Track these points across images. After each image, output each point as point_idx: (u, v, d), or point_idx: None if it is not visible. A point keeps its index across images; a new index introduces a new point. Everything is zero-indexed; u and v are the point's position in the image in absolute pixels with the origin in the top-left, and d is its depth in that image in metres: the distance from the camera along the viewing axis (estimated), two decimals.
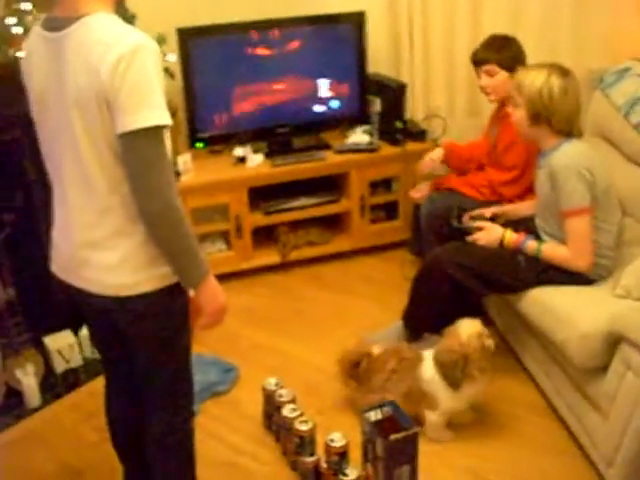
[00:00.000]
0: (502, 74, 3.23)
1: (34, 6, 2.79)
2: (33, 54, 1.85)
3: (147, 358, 2.05)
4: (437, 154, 3.60)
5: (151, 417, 2.14)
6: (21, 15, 2.77)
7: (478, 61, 3.33)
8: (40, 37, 1.81)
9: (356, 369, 2.83)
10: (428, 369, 2.69)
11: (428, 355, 2.72)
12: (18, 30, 2.75)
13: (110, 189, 1.79)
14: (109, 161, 1.76)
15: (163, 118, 1.71)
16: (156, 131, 1.71)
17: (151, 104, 1.69)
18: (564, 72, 2.74)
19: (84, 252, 1.88)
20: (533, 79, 2.73)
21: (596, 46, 3.99)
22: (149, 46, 1.71)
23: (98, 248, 1.86)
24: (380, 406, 2.37)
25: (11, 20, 2.74)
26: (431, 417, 2.70)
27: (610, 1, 4.00)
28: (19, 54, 2.63)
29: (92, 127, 1.72)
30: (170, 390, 2.11)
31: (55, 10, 1.80)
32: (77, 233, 1.89)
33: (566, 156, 2.72)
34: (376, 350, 2.87)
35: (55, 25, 1.76)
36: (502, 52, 3.25)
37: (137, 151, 1.71)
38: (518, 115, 2.81)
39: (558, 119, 2.72)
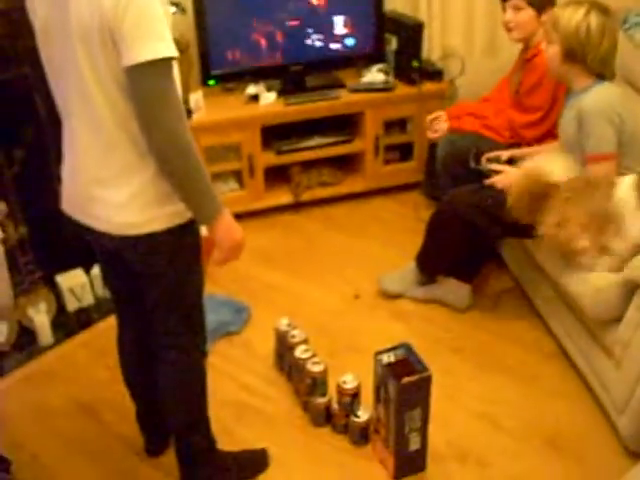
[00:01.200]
0: (529, 11, 3.12)
1: None
2: None
3: (158, 297, 2.05)
4: (442, 127, 3.48)
5: (163, 355, 2.14)
6: None
7: None
8: None
9: (540, 201, 2.67)
10: (624, 189, 2.57)
11: (627, 178, 2.60)
12: None
13: (117, 125, 1.76)
14: (115, 95, 1.72)
15: (169, 50, 1.66)
16: (163, 63, 1.65)
17: (156, 36, 1.64)
18: (604, 10, 2.64)
19: (92, 190, 1.86)
20: (571, 14, 2.64)
21: None
22: None
23: (106, 185, 1.84)
24: (393, 348, 2.36)
25: None
26: (615, 245, 2.55)
27: None
28: None
29: (96, 60, 1.68)
30: (182, 329, 2.10)
31: None
32: (85, 170, 1.87)
33: (598, 98, 2.64)
34: (557, 177, 2.69)
35: None
36: None
37: (144, 84, 1.66)
38: (551, 52, 2.72)
39: (593, 58, 2.64)
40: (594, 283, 2.50)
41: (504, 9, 3.23)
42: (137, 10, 1.61)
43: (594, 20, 2.61)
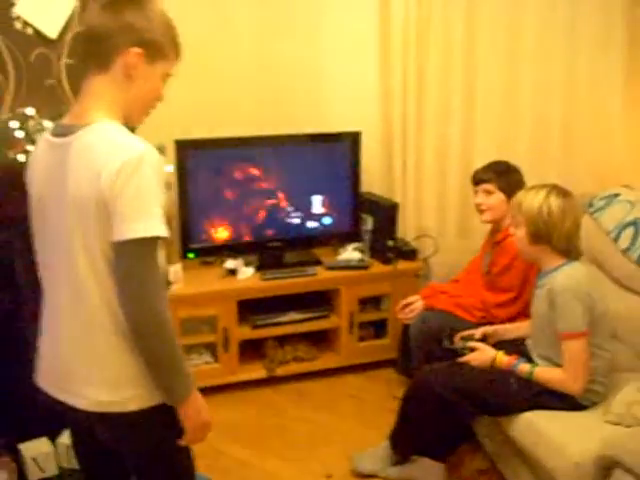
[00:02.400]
0: (499, 195, 3.30)
1: (37, 111, 2.84)
2: (37, 161, 1.85)
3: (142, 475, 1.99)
4: (417, 306, 3.56)
5: None
6: (24, 119, 2.81)
7: (478, 180, 3.40)
8: (47, 143, 1.82)
9: None
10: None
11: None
12: (20, 134, 2.78)
13: (101, 300, 1.74)
14: (102, 271, 1.72)
15: (160, 229, 1.68)
16: (151, 242, 1.67)
17: (149, 214, 1.66)
18: (563, 193, 2.78)
19: (70, 365, 1.82)
20: (533, 197, 2.78)
21: (584, 172, 4.12)
22: (153, 157, 1.69)
23: (85, 362, 1.81)
24: None
25: (14, 124, 2.78)
26: None
27: (597, 129, 4.17)
28: (19, 157, 2.66)
29: (88, 234, 1.69)
30: None
31: (65, 119, 1.83)
32: (64, 344, 1.83)
33: (567, 278, 2.72)
34: None
35: (62, 131, 1.77)
36: (503, 176, 3.33)
37: (129, 259, 1.66)
38: (519, 234, 2.84)
39: (558, 237, 2.74)
40: (572, 458, 2.47)
41: (475, 192, 3.40)
42: (134, 189, 1.63)
43: (554, 202, 2.74)
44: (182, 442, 1.89)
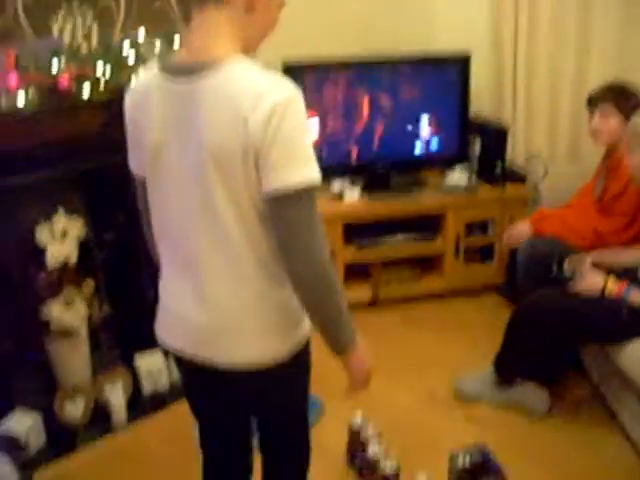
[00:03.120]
0: (617, 118, 3.15)
1: (147, 33, 2.88)
2: (152, 101, 1.65)
3: (274, 425, 1.99)
4: (525, 232, 3.49)
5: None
6: (135, 41, 2.85)
7: (595, 100, 3.25)
8: (163, 82, 1.63)
9: None
10: None
11: None
12: (131, 55, 2.83)
13: (250, 250, 1.63)
14: (251, 219, 1.60)
15: (316, 176, 1.55)
16: (313, 188, 1.55)
17: (307, 159, 1.54)
18: None
19: (216, 319, 1.71)
20: None
21: None
22: (299, 96, 1.56)
23: (233, 315, 1.71)
24: (469, 450, 2.30)
25: (126, 45, 2.83)
26: None
27: None
28: (130, 81, 2.72)
29: (232, 182, 1.55)
30: (292, 450, 2.08)
31: (181, 55, 1.66)
32: (206, 298, 1.71)
33: None
34: None
35: (181, 70, 1.60)
36: (622, 97, 3.18)
37: (290, 211, 1.54)
38: (634, 160, 2.72)
39: None
40: None
41: (591, 115, 3.25)
42: (287, 133, 1.50)
43: None
44: (346, 392, 1.88)
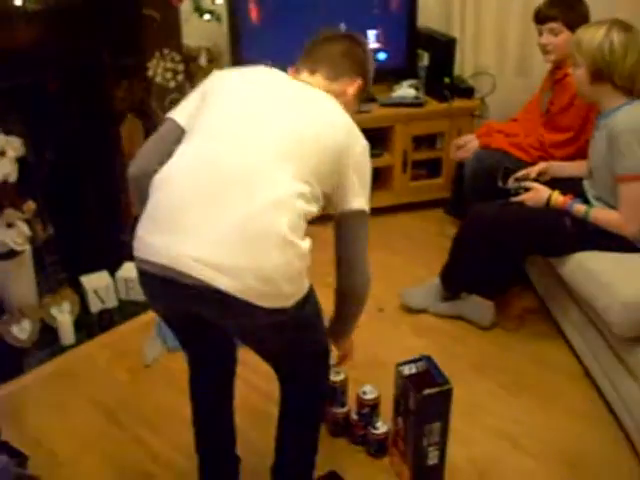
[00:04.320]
0: (566, 33, 3.11)
1: None
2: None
3: (292, 363, 2.05)
4: (472, 145, 3.51)
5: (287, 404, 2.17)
6: None
7: (542, 18, 3.21)
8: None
9: None
10: None
11: None
12: None
13: (284, 223, 1.79)
14: (294, 203, 1.82)
15: (369, 206, 1.96)
16: (366, 215, 1.96)
17: (367, 194, 1.96)
18: (625, 27, 2.63)
19: (230, 246, 1.72)
20: (593, 34, 2.64)
21: None
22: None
23: (249, 256, 1.73)
24: (414, 360, 2.34)
25: None
26: None
27: None
28: None
29: (301, 167, 1.81)
30: (310, 382, 2.10)
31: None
32: (227, 231, 1.72)
33: (629, 117, 2.61)
34: None
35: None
36: (569, 11, 3.14)
37: (354, 225, 1.96)
38: (578, 74, 2.71)
39: (620, 75, 2.62)
40: (622, 297, 2.46)
41: (540, 32, 3.22)
42: (366, 171, 1.95)
43: (616, 37, 2.60)
44: (336, 364, 2.36)
